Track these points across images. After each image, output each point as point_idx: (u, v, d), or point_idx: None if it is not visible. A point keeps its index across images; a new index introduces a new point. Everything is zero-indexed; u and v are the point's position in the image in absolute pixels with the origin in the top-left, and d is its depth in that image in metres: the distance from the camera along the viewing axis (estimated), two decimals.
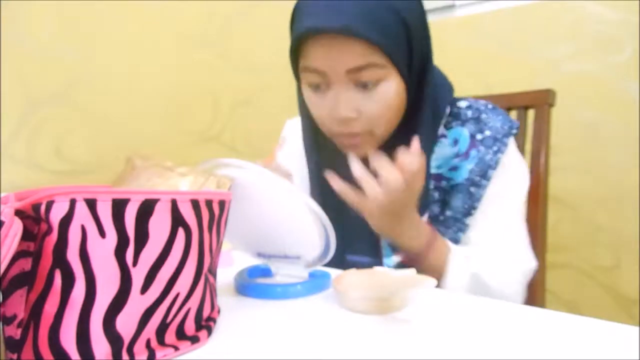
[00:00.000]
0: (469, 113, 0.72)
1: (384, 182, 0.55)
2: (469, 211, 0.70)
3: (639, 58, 1.26)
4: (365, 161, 0.61)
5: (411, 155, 0.55)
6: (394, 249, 0.70)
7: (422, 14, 0.65)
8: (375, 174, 0.57)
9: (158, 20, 1.36)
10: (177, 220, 0.36)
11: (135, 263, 0.33)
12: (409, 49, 0.63)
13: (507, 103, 0.97)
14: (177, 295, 0.36)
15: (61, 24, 1.15)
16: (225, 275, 0.59)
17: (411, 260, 0.64)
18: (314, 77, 0.63)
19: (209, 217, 0.39)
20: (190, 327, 0.39)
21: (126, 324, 0.33)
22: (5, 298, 0.32)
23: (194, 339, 0.38)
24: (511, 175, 0.71)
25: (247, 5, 1.59)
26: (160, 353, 0.35)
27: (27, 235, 0.32)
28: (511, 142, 0.72)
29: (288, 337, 0.40)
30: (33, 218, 0.32)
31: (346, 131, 0.64)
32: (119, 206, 0.33)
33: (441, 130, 0.71)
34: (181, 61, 1.41)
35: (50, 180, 1.11)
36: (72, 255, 0.31)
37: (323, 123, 0.67)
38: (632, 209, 1.28)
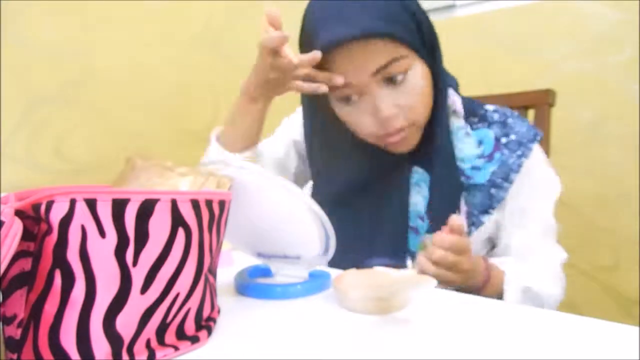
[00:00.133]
0: (496, 116, 0.73)
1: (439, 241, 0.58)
2: (486, 210, 0.70)
3: (639, 58, 1.26)
4: (412, 153, 0.68)
5: (458, 218, 0.58)
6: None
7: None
8: None
9: (158, 20, 1.36)
10: (177, 220, 0.36)
11: (135, 263, 0.33)
12: (420, 32, 0.64)
13: (507, 103, 0.97)
14: (177, 295, 0.36)
15: (61, 24, 1.15)
16: (225, 275, 0.59)
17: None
18: (343, 91, 0.64)
19: (209, 217, 0.39)
20: (190, 327, 0.39)
21: (126, 324, 0.33)
22: (5, 298, 0.32)
23: (194, 339, 0.38)
24: (538, 179, 0.72)
25: (247, 5, 1.59)
26: (160, 353, 0.35)
27: (27, 235, 0.32)
28: (536, 148, 0.72)
29: (288, 337, 0.40)
30: (33, 218, 0.32)
31: (392, 129, 0.64)
32: (119, 206, 0.33)
33: (466, 128, 0.72)
34: (181, 61, 1.41)
35: (50, 180, 1.11)
36: (72, 255, 0.31)
37: (363, 129, 0.67)
38: (632, 209, 1.28)
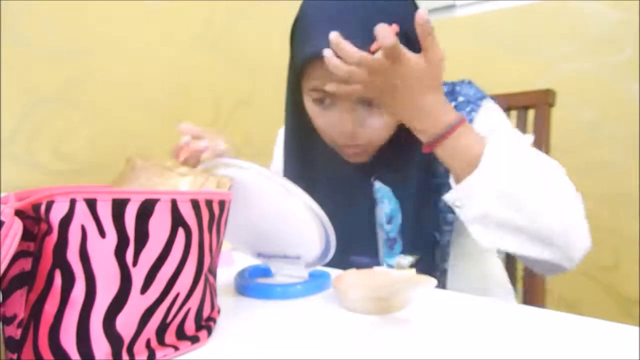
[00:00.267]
0: (444, 88, 0.72)
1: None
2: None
3: (639, 58, 1.26)
4: (363, 167, 0.68)
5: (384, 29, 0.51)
6: (403, 250, 0.70)
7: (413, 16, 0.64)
8: None
9: (158, 20, 1.35)
10: (177, 220, 0.36)
11: (135, 263, 0.33)
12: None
13: (507, 103, 0.97)
14: (177, 295, 0.36)
15: (61, 24, 1.15)
16: (225, 275, 0.59)
17: (437, 146, 0.57)
18: (319, 94, 0.64)
19: (209, 217, 0.39)
20: (190, 327, 0.39)
21: (126, 324, 0.33)
22: (5, 298, 0.32)
23: (194, 339, 0.38)
24: (495, 122, 0.70)
25: (247, 5, 1.59)
26: (160, 353, 0.35)
27: (27, 235, 0.32)
28: (488, 105, 0.71)
29: (288, 337, 0.40)
30: (33, 218, 0.32)
31: (351, 143, 0.66)
32: (119, 206, 0.33)
33: None
34: (181, 61, 1.41)
35: (50, 180, 1.11)
36: (72, 255, 0.31)
37: (326, 134, 0.68)
38: (632, 209, 1.28)
